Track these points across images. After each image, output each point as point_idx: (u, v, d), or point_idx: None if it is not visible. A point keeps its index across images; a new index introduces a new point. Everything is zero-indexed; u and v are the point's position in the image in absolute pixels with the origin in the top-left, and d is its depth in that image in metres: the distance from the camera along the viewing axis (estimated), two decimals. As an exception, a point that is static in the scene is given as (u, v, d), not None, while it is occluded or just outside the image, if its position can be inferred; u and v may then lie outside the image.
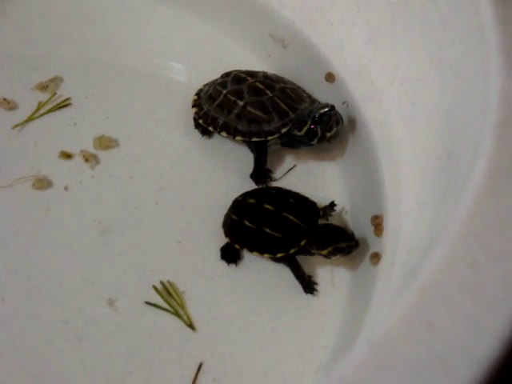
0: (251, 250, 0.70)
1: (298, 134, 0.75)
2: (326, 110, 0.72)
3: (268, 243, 0.69)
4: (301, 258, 0.70)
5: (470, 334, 0.40)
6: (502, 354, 0.39)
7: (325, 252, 0.67)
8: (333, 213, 0.72)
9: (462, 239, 0.44)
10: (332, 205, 0.72)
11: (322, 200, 0.73)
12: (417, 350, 0.40)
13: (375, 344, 0.40)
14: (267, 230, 0.68)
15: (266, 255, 0.69)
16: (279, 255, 0.68)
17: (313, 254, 0.69)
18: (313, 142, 0.75)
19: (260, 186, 0.77)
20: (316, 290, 0.70)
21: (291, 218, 0.68)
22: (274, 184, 0.77)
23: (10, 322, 0.67)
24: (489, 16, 0.54)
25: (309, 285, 0.69)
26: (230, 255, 0.72)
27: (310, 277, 0.70)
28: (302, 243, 0.67)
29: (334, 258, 0.67)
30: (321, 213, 0.70)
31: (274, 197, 0.70)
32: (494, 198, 0.45)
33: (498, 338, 0.39)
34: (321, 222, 0.70)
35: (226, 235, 0.72)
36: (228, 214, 0.72)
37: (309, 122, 0.74)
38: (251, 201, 0.71)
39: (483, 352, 0.39)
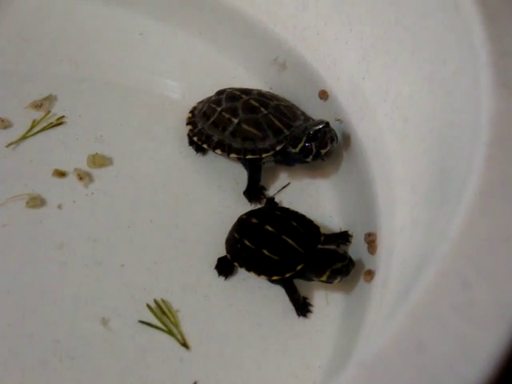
0: (248, 269, 0.69)
1: (293, 151, 0.75)
2: (321, 126, 0.72)
3: (265, 265, 0.68)
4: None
5: (462, 355, 0.40)
6: (493, 374, 0.39)
7: (324, 278, 0.66)
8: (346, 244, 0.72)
9: (453, 259, 0.44)
10: (347, 235, 0.72)
11: (315, 217, 0.73)
12: (408, 371, 0.39)
13: (366, 364, 0.40)
14: (265, 252, 0.68)
15: (262, 277, 0.69)
16: (274, 278, 0.68)
17: (311, 280, 0.68)
18: (307, 159, 0.75)
19: (266, 205, 0.76)
20: (310, 312, 0.69)
21: (290, 241, 0.68)
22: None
23: (1, 341, 0.67)
24: (479, 34, 0.55)
25: (302, 307, 0.69)
26: (223, 268, 0.72)
27: (305, 298, 0.70)
28: (298, 268, 0.67)
29: (335, 281, 0.66)
30: (322, 238, 0.69)
31: (276, 218, 0.70)
32: (485, 218, 0.45)
33: (490, 358, 0.39)
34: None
35: (227, 252, 0.72)
36: (232, 231, 0.72)
37: (303, 139, 0.73)
38: (254, 220, 0.70)
39: (475, 373, 0.39)
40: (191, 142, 0.81)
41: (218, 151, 0.77)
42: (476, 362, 0.39)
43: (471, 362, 0.39)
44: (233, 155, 0.76)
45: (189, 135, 0.81)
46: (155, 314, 0.69)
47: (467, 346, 0.40)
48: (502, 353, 0.39)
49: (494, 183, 0.47)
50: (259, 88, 0.83)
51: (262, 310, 0.70)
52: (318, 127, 0.72)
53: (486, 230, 0.45)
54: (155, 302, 0.70)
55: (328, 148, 0.73)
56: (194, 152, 0.81)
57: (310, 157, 0.74)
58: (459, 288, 0.42)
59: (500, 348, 0.39)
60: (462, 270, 0.43)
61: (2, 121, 0.82)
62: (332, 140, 0.73)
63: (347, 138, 0.76)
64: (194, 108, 0.82)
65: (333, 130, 0.73)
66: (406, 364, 0.40)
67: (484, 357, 0.39)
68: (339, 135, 0.75)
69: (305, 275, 0.68)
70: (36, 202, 0.76)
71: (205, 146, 0.78)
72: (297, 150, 0.74)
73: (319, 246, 0.68)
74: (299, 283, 0.69)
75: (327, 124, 0.73)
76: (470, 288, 0.42)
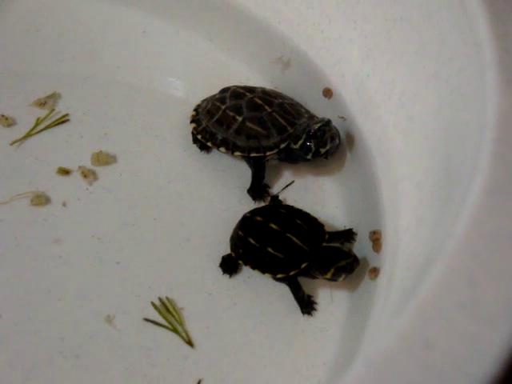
0: (253, 267, 0.69)
1: (294, 147, 0.75)
2: (320, 125, 0.72)
3: (269, 263, 0.68)
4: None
5: (469, 352, 0.40)
6: (500, 372, 0.39)
7: (329, 275, 0.66)
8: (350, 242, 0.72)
9: (460, 256, 0.44)
10: (351, 233, 0.72)
11: (320, 215, 0.73)
12: (415, 369, 0.39)
13: (373, 362, 0.40)
14: (269, 250, 0.68)
15: (267, 274, 0.69)
16: (279, 276, 0.68)
17: (316, 278, 0.69)
18: (308, 157, 0.75)
19: (270, 203, 0.76)
20: (315, 310, 0.69)
21: (294, 239, 0.68)
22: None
23: (7, 339, 0.67)
24: (485, 32, 0.55)
25: (307, 306, 0.69)
26: (228, 266, 0.72)
27: (309, 296, 0.70)
28: (303, 266, 0.67)
29: (339, 279, 0.67)
30: (326, 236, 0.69)
31: (281, 216, 0.70)
32: (492, 215, 0.45)
33: (497, 355, 0.39)
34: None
35: (232, 250, 0.72)
36: (236, 229, 0.72)
37: (303, 137, 0.73)
38: (258, 218, 0.70)
39: (482, 370, 0.39)
40: (195, 140, 0.81)
41: (222, 149, 0.77)
42: (483, 359, 0.39)
43: (478, 359, 0.39)
44: (237, 153, 0.76)
45: (193, 133, 0.81)
46: (160, 312, 0.69)
47: (474, 343, 0.40)
48: (509, 350, 0.39)
49: (500, 181, 0.47)
50: (263, 86, 0.83)
51: (267, 308, 0.70)
52: (317, 125, 0.73)
53: (493, 227, 0.45)
54: (160, 299, 0.70)
55: (328, 147, 0.73)
56: (198, 150, 0.81)
57: (310, 154, 0.74)
58: (466, 286, 0.42)
59: (507, 345, 0.39)
60: (468, 268, 0.43)
61: (6, 119, 0.82)
62: (332, 139, 0.73)
63: (351, 136, 0.76)
64: (198, 106, 0.82)
65: (335, 128, 0.74)
66: (413, 362, 0.40)
67: (491, 354, 0.39)
68: (343, 133, 0.75)
69: (309, 273, 0.68)
70: (40, 199, 0.76)
71: (209, 143, 0.78)
72: (297, 146, 0.74)
73: (324, 244, 0.68)
74: (304, 281, 0.69)
75: (328, 122, 0.73)
76: (476, 286, 0.42)
